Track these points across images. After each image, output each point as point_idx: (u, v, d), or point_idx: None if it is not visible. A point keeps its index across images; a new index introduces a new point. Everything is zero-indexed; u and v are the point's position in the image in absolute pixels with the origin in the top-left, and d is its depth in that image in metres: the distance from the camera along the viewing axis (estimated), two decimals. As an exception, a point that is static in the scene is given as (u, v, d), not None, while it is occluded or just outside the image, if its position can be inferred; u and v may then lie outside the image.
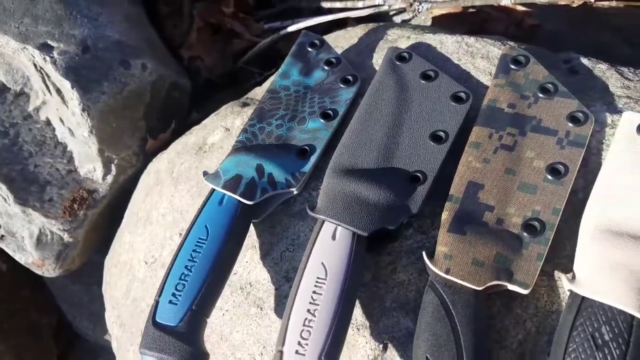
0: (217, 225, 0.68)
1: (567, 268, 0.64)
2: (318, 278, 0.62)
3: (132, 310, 0.86)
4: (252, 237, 0.76)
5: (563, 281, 0.61)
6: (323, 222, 0.67)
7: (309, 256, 0.64)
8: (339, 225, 0.66)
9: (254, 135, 0.78)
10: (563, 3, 1.08)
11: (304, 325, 0.59)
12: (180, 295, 0.63)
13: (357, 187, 0.68)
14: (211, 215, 0.69)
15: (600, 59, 0.80)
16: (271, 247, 0.75)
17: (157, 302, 0.64)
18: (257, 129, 0.79)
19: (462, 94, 0.75)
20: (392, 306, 0.67)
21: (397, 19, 1.11)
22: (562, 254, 0.65)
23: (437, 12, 1.10)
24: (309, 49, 0.86)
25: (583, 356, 0.56)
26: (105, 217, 1.00)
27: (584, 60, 0.79)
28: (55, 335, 1.27)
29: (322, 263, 0.63)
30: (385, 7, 1.04)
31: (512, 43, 0.82)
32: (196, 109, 1.11)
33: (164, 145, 0.98)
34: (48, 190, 0.95)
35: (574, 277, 0.60)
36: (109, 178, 0.97)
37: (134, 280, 0.87)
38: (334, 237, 0.65)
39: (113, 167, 0.97)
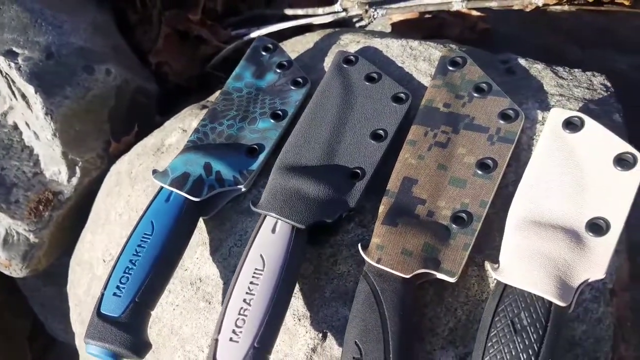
0: (162, 221, 0.71)
1: (496, 258, 0.67)
2: (256, 269, 0.65)
3: (92, 306, 0.88)
4: (203, 234, 0.79)
5: (488, 269, 0.63)
6: (265, 216, 0.70)
7: (249, 249, 0.67)
8: (279, 219, 0.69)
9: (206, 135, 0.81)
10: (517, 8, 1.12)
11: (239, 314, 0.62)
12: (123, 288, 0.66)
13: (297, 183, 0.71)
14: (157, 212, 0.72)
15: (551, 61, 0.84)
16: (220, 243, 0.78)
17: (102, 295, 0.67)
18: (208, 129, 0.82)
19: (402, 94, 0.78)
20: (331, 296, 0.70)
21: (360, 26, 1.14)
22: (492, 245, 0.68)
23: (396, 18, 1.14)
24: (263, 53, 0.89)
25: (503, 341, 0.59)
26: (71, 218, 1.02)
27: (521, 61, 0.82)
28: (30, 338, 1.30)
29: (261, 255, 0.66)
30: (343, 14, 1.08)
31: (453, 46, 0.85)
32: (163, 113, 1.14)
33: (128, 148, 1.01)
34: (14, 192, 0.98)
35: (498, 265, 0.63)
36: (74, 180, 1.00)
37: (94, 278, 0.89)
38: (273, 231, 0.68)
39: (77, 170, 1.00)
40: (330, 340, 0.69)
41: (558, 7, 1.11)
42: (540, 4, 1.07)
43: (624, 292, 0.76)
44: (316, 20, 1.13)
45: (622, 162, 0.64)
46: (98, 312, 0.65)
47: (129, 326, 0.64)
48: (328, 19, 1.11)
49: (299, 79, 0.85)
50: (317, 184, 0.71)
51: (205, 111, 0.92)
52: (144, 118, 1.10)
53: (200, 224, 0.79)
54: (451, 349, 0.65)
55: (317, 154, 0.75)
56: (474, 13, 1.11)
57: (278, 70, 0.87)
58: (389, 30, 1.15)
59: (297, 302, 0.71)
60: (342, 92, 0.80)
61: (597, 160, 0.65)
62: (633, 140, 0.83)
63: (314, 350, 0.69)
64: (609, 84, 0.78)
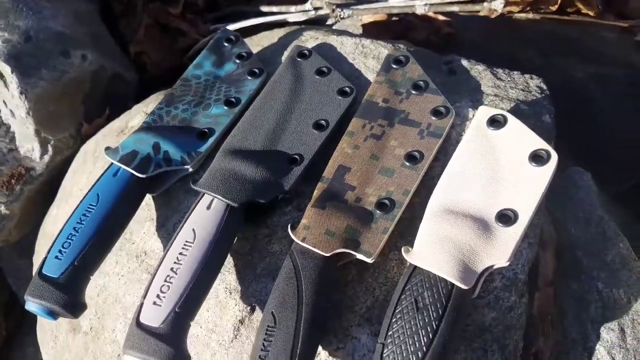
0: (107, 194, 0.76)
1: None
2: (186, 242, 0.69)
3: (50, 276, 0.93)
4: (151, 211, 0.84)
5: (402, 253, 0.67)
6: (203, 195, 0.74)
7: (183, 223, 0.72)
8: (214, 197, 0.73)
9: (160, 117, 0.86)
10: (482, 14, 1.16)
11: (165, 281, 0.66)
12: (65, 252, 0.71)
13: (236, 165, 0.76)
14: (104, 185, 0.77)
15: (512, 67, 0.87)
16: (166, 219, 0.82)
17: (45, 257, 0.72)
18: (164, 112, 0.86)
19: (347, 88, 0.83)
20: (262, 273, 0.74)
21: (328, 24, 1.19)
22: (414, 233, 0.72)
23: (366, 19, 1.18)
24: (225, 44, 0.94)
25: (406, 317, 0.62)
26: (42, 193, 1.07)
27: (464, 62, 0.86)
28: (5, 313, 1.35)
29: (193, 229, 0.70)
30: (313, 13, 1.12)
31: (401, 46, 0.89)
32: (140, 101, 1.19)
33: (98, 130, 1.06)
34: (-12, 166, 1.04)
35: (412, 249, 0.67)
36: (46, 158, 1.05)
37: (55, 249, 0.94)
38: (208, 208, 0.73)
39: (50, 148, 1.05)
40: (258, 313, 0.73)
41: (523, 15, 1.15)
42: (502, 11, 1.11)
43: (548, 287, 0.79)
44: (289, 18, 1.17)
45: (537, 158, 0.67)
46: (39, 273, 0.70)
47: (66, 287, 0.69)
48: (300, 17, 1.16)
49: (256, 70, 0.89)
50: (255, 166, 0.75)
51: (165, 96, 0.97)
52: (119, 104, 1.15)
53: (150, 201, 0.84)
54: (367, 325, 0.69)
55: (261, 140, 0.80)
56: (440, 18, 1.15)
57: (237, 61, 0.91)
58: (359, 31, 1.19)
59: (230, 277, 0.75)
60: (292, 83, 0.85)
61: (514, 156, 0.68)
62: (571, 143, 0.87)
63: (241, 322, 0.73)
64: (544, 87, 0.82)
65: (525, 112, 0.77)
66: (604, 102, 1.04)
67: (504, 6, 1.08)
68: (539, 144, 0.68)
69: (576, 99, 1.04)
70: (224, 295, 0.74)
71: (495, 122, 0.72)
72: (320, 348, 0.69)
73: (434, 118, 0.76)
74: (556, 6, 1.10)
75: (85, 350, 0.85)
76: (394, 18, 1.15)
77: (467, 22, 1.16)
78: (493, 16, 1.15)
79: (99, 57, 1.10)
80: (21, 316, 1.35)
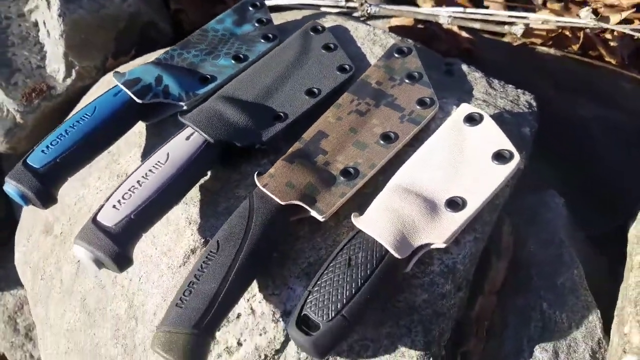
0: (104, 109, 0.81)
1: (371, 217, 0.73)
2: (158, 162, 0.74)
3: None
4: (141, 138, 0.89)
5: (352, 217, 0.70)
6: (186, 127, 0.79)
7: (160, 147, 0.76)
8: (196, 130, 0.78)
9: (172, 57, 0.92)
10: (506, 40, 1.19)
11: (129, 190, 0.71)
12: (50, 149, 0.76)
13: (224, 107, 0.80)
14: (103, 101, 0.83)
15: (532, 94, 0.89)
16: (153, 148, 0.86)
17: (32, 150, 0.77)
18: (176, 54, 0.92)
19: (347, 66, 0.87)
20: (223, 211, 0.78)
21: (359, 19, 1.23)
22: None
23: (394, 22, 1.22)
24: (250, 8, 1.00)
25: (336, 271, 0.65)
26: (56, 112, 1.14)
27: (464, 67, 0.89)
28: (4, 219, 1.41)
29: (168, 153, 0.75)
30: (343, 3, 1.17)
31: (410, 41, 0.93)
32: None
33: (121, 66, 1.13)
34: (16, 76, 1.11)
35: (360, 216, 0.70)
36: (68, 81, 1.13)
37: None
38: (187, 139, 0.77)
39: (74, 72, 1.12)
40: (209, 247, 0.76)
41: (545, 49, 1.17)
42: (524, 41, 1.14)
43: (492, 295, 0.81)
44: (321, 8, 1.23)
45: (500, 156, 0.70)
46: (24, 161, 0.76)
47: (43, 177, 0.74)
48: (331, 7, 1.20)
49: (270, 35, 0.94)
50: (240, 112, 0.80)
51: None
52: (147, 50, 1.22)
53: (143, 129, 0.89)
54: (304, 279, 0.72)
55: (254, 93, 0.84)
56: (464, 34, 1.18)
57: (256, 24, 0.97)
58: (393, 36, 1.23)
59: (193, 209, 0.79)
60: (297, 51, 0.89)
61: (479, 151, 0.71)
62: (562, 175, 0.88)
63: (193, 251, 0.77)
64: (534, 104, 0.84)
65: (507, 120, 0.80)
66: (604, 145, 1.05)
67: (525, 34, 1.11)
68: (505, 144, 0.70)
69: (577, 135, 1.05)
70: (183, 224, 0.79)
71: (472, 120, 0.74)
72: (257, 289, 0.73)
73: (418, 107, 0.79)
74: (578, 46, 1.12)
75: (51, 252, 0.90)
76: (419, 25, 1.19)
77: (490, 45, 1.19)
78: (515, 43, 1.18)
79: (140, 2, 1.18)
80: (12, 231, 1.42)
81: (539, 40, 1.15)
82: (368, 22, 1.16)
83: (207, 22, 1.32)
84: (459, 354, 0.76)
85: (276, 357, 0.72)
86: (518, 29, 1.07)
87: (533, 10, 1.19)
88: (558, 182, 0.98)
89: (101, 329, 0.81)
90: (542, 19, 1.08)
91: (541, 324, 0.78)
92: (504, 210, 0.83)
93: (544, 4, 1.31)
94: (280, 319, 0.72)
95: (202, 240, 0.77)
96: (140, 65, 0.89)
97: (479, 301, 0.80)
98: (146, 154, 0.87)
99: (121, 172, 0.87)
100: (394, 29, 1.22)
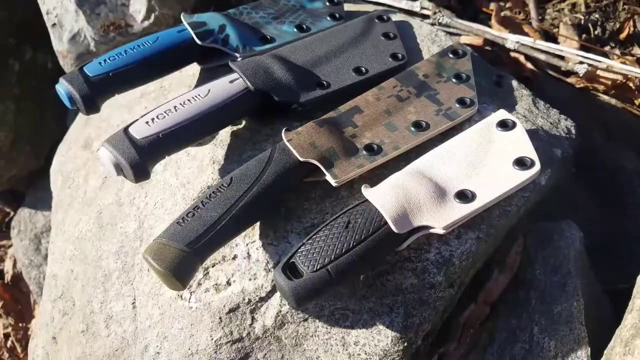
0: (165, 40, 0.87)
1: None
2: (198, 94, 0.78)
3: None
4: (193, 81, 0.94)
5: (362, 188, 0.71)
6: (233, 72, 0.83)
7: (204, 83, 0.80)
8: (241, 77, 0.81)
9: (241, 13, 0.96)
10: (569, 80, 1.17)
11: (164, 112, 0.75)
12: (107, 62, 0.82)
13: (272, 63, 0.84)
14: (167, 34, 0.88)
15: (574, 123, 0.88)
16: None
17: (92, 60, 0.83)
18: (245, 11, 0.97)
19: (400, 55, 0.89)
20: (246, 158, 0.81)
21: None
22: (387, 186, 0.75)
23: (464, 40, 1.23)
24: (325, -13, 1.04)
25: (332, 230, 0.66)
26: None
27: (514, 82, 0.89)
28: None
29: (209, 89, 0.79)
30: (418, 8, 1.19)
31: (469, 48, 0.94)
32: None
33: (196, 21, 1.19)
34: (101, 7, 1.20)
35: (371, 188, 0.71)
36: (145, 23, 1.20)
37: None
38: (231, 82, 0.81)
39: (152, 16, 1.19)
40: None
41: (606, 97, 1.15)
42: (587, 85, 1.12)
43: (485, 305, 0.79)
44: (397, 8, 1.25)
45: (521, 162, 0.69)
46: (81, 67, 0.82)
47: (93, 85, 0.80)
48: (405, 7, 1.23)
49: (337, 14, 0.98)
50: (286, 70, 0.83)
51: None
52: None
53: (197, 72, 0.94)
54: (304, 237, 0.73)
55: (304, 59, 0.87)
56: (529, 66, 1.17)
57: (327, 3, 1.00)
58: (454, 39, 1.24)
59: (219, 151, 0.82)
60: (357, 32, 0.92)
61: (502, 154, 0.71)
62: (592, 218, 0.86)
63: (209, 187, 0.80)
64: (574, 131, 0.83)
65: (540, 137, 0.79)
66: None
67: (589, 79, 1.09)
68: (529, 152, 0.70)
69: (616, 184, 1.02)
70: (207, 162, 0.82)
71: (504, 125, 0.74)
72: (257, 236, 0.75)
73: (457, 105, 0.80)
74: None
75: (84, 165, 0.96)
76: (487, 47, 1.20)
77: (552, 81, 1.17)
78: (578, 86, 1.16)
79: (228, -34, 1.24)
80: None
81: (602, 87, 1.13)
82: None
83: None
84: (437, 354, 0.75)
85: (259, 304, 0.73)
86: (582, 69, 1.06)
87: (605, 56, 1.17)
88: (586, 223, 0.95)
89: (108, 243, 0.85)
90: (608, 64, 1.06)
91: (527, 347, 0.76)
92: (519, 229, 0.82)
93: (619, 55, 1.29)
94: (272, 269, 0.73)
95: (220, 179, 0.80)
96: (209, 13, 0.94)
97: (470, 307, 0.78)
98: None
99: (161, 100, 0.92)
100: (461, 46, 1.23)
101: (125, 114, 0.95)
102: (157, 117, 0.75)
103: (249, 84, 0.80)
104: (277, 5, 0.99)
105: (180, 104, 0.76)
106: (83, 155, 0.97)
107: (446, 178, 0.69)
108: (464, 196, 0.67)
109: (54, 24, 1.24)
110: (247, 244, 0.75)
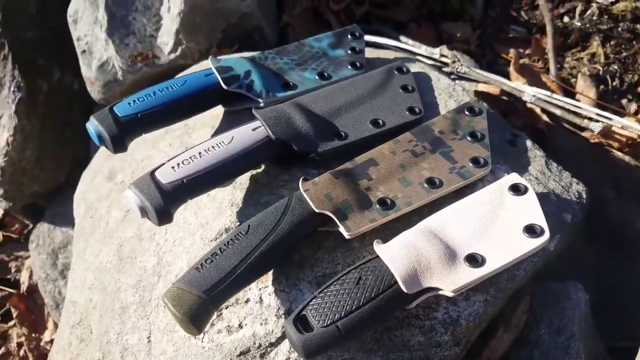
0: (193, 83, 0.90)
1: (394, 250, 0.76)
2: (222, 141, 0.81)
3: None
4: (216, 121, 0.97)
5: (374, 243, 0.73)
6: (256, 120, 0.86)
7: (229, 130, 0.84)
8: (263, 125, 0.85)
9: (265, 58, 1.00)
10: (583, 134, 1.19)
11: (189, 158, 0.79)
12: (137, 103, 0.86)
13: (293, 112, 0.87)
14: (195, 77, 0.92)
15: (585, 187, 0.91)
16: (223, 132, 0.95)
17: (120, 100, 0.87)
18: (270, 56, 1.01)
19: (417, 109, 0.92)
20: (263, 203, 0.84)
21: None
22: (399, 241, 0.78)
23: (481, 88, 1.26)
24: (348, 36, 1.07)
25: (344, 285, 0.69)
26: (153, 80, 1.25)
27: (528, 142, 0.91)
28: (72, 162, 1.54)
29: (233, 137, 0.82)
30: (437, 57, 1.23)
31: (485, 104, 0.97)
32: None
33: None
34: (130, 38, 1.24)
35: (382, 243, 0.73)
36: (172, 55, 1.24)
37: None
38: (254, 130, 0.84)
39: (179, 49, 1.24)
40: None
41: (620, 154, 1.17)
42: (601, 140, 1.14)
43: (488, 361, 0.81)
44: (417, 55, 1.29)
45: (531, 230, 0.72)
46: (111, 107, 0.85)
47: (122, 125, 0.83)
48: (425, 57, 1.26)
49: (358, 63, 1.01)
50: (306, 120, 0.86)
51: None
52: (249, 49, 1.32)
53: (220, 113, 0.97)
54: (316, 287, 0.76)
55: (324, 108, 0.90)
56: (544, 118, 1.20)
57: (349, 52, 1.04)
58: (471, 95, 1.27)
59: (238, 194, 0.86)
60: (376, 84, 0.95)
61: (513, 219, 0.73)
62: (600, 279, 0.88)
63: (226, 230, 0.83)
64: (585, 196, 0.85)
65: (552, 201, 0.81)
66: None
67: (604, 135, 1.11)
68: (539, 220, 0.72)
69: (625, 243, 1.04)
70: (226, 204, 0.85)
71: (517, 189, 0.76)
72: (270, 281, 0.77)
73: (470, 164, 0.83)
74: (654, 159, 1.11)
75: (107, 196, 0.99)
76: (504, 97, 1.22)
77: (566, 134, 1.19)
78: (592, 141, 1.18)
79: (256, 6, 1.28)
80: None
81: (616, 144, 1.15)
82: (455, 79, 1.21)
83: (310, 40, 1.44)
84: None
85: (269, 349, 0.76)
86: (597, 126, 1.08)
87: (620, 115, 1.19)
88: (592, 280, 0.97)
89: (127, 276, 0.88)
90: (623, 124, 1.08)
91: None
92: (525, 288, 0.84)
93: (635, 113, 1.31)
94: (283, 316, 0.76)
95: (238, 223, 0.83)
96: (236, 56, 0.98)
97: (472, 365, 0.80)
98: (216, 134, 0.95)
99: (190, 145, 0.95)
100: (479, 94, 1.25)
101: (150, 149, 0.98)
102: (183, 162, 0.78)
103: (270, 132, 0.83)
104: (301, 51, 1.03)
105: (205, 150, 0.80)
106: (106, 186, 1.00)
107: (457, 240, 0.72)
108: (474, 260, 0.70)
109: (83, 51, 1.28)
110: (260, 289, 0.78)
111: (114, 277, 0.90)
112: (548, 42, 1.40)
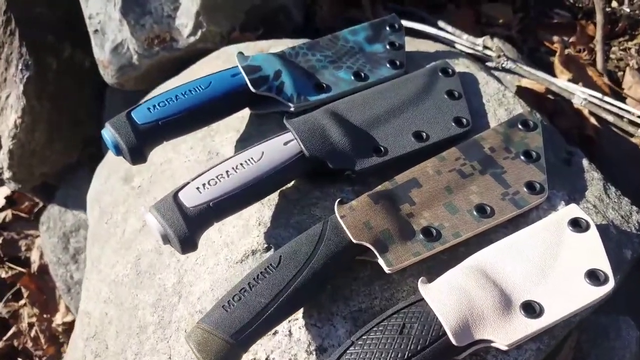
0: (218, 86, 0.82)
1: (438, 285, 0.69)
2: (251, 158, 0.74)
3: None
4: (242, 123, 0.89)
5: (419, 282, 0.67)
6: (288, 131, 0.78)
7: (258, 144, 0.76)
8: (296, 138, 0.77)
9: (296, 54, 0.91)
10: (634, 140, 1.10)
11: (216, 177, 0.71)
12: (157, 109, 0.78)
13: (329, 124, 0.79)
14: (220, 78, 0.83)
15: (629, 196, 0.83)
16: (249, 137, 0.87)
17: (140, 104, 0.79)
18: (302, 52, 0.91)
19: (465, 120, 0.83)
20: (294, 225, 0.77)
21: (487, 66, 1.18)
22: (442, 273, 0.71)
23: (525, 83, 1.16)
24: (387, 28, 0.97)
25: (386, 333, 0.62)
26: (170, 64, 1.17)
27: (584, 162, 0.83)
28: (86, 140, 1.47)
29: (263, 152, 0.75)
30: (480, 48, 1.12)
31: (538, 115, 0.88)
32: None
33: (245, 42, 1.13)
34: (146, 18, 1.15)
35: (428, 283, 0.66)
36: (191, 39, 1.15)
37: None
38: (285, 144, 0.76)
39: (199, 32, 1.14)
40: (269, 254, 0.76)
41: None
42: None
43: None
44: (457, 44, 1.18)
45: (594, 276, 0.64)
46: (128, 112, 0.77)
47: (141, 134, 0.76)
48: (467, 47, 1.16)
49: (397, 62, 0.91)
50: (342, 134, 0.78)
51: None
52: (273, 31, 1.22)
53: (247, 116, 0.89)
54: (350, 323, 0.70)
55: (362, 118, 0.82)
56: (592, 121, 1.11)
57: (387, 47, 0.94)
58: (512, 90, 1.17)
59: (266, 212, 0.79)
60: (419, 89, 0.86)
61: (574, 263, 0.66)
62: None
63: (253, 252, 0.76)
64: (646, 227, 0.77)
65: (611, 235, 0.74)
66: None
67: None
68: (603, 265, 0.65)
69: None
70: (253, 223, 0.78)
71: (577, 225, 0.69)
72: (300, 314, 0.71)
73: (525, 189, 0.75)
74: None
75: (124, 201, 0.93)
76: (549, 95, 1.13)
77: (614, 138, 1.11)
78: (643, 147, 1.09)
79: (280, -16, 1.18)
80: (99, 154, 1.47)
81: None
82: (496, 74, 1.11)
83: (338, 22, 1.33)
84: None
85: (297, 386, 0.70)
86: (652, 134, 0.99)
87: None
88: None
89: (145, 293, 0.82)
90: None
91: None
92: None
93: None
94: (314, 352, 0.70)
95: (265, 245, 0.76)
96: (265, 54, 0.89)
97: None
98: (242, 140, 0.87)
99: (213, 150, 0.88)
100: (522, 90, 1.16)
101: (169, 152, 0.91)
102: (209, 182, 0.71)
103: (304, 148, 0.75)
104: (335, 46, 0.93)
105: (233, 168, 0.72)
106: (122, 190, 0.94)
107: (512, 284, 0.65)
108: (532, 309, 0.63)
109: (95, 30, 1.19)
110: (289, 321, 0.72)
111: (131, 292, 0.84)
112: (597, 33, 1.29)
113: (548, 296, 0.64)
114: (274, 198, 0.79)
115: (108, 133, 0.76)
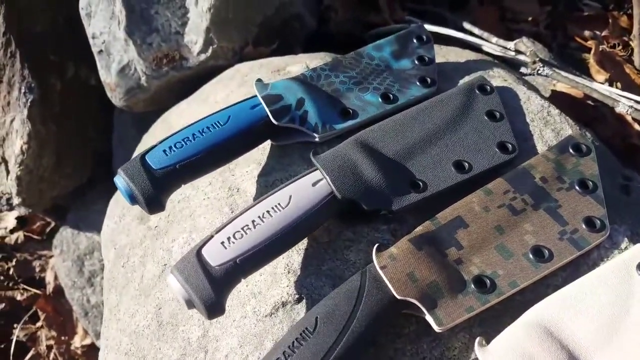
0: (237, 120, 0.75)
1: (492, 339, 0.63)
2: (279, 204, 0.67)
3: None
4: (263, 155, 0.82)
5: (475, 344, 0.60)
6: (316, 170, 0.71)
7: (284, 186, 0.69)
8: (325, 178, 0.69)
9: (318, 77, 0.83)
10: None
11: (241, 228, 0.64)
12: (173, 151, 0.71)
13: (360, 159, 0.71)
14: (239, 112, 0.76)
15: None
16: (271, 171, 0.80)
17: (154, 146, 0.72)
18: (324, 74, 0.84)
19: (510, 145, 0.75)
20: (326, 272, 0.70)
21: (521, 72, 1.10)
22: (497, 327, 0.64)
23: (560, 87, 1.08)
24: (414, 40, 0.89)
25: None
26: (181, 85, 1.10)
27: (644, 187, 0.75)
28: (100, 156, 1.41)
29: (290, 196, 0.67)
30: (512, 53, 1.04)
31: (588, 135, 0.80)
32: (306, 50, 1.17)
33: (258, 57, 1.06)
34: (153, 36, 1.07)
35: (486, 344, 0.60)
36: (202, 56, 1.07)
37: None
38: (314, 185, 0.69)
39: (210, 50, 1.06)
40: (302, 305, 0.69)
41: None
42: None
43: None
44: (485, 47, 1.10)
45: (672, 332, 0.57)
46: (142, 157, 0.71)
47: (158, 182, 0.69)
48: (496, 51, 1.07)
49: (428, 79, 0.84)
50: (376, 170, 0.71)
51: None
52: (287, 42, 1.14)
53: (267, 147, 0.82)
54: (396, 387, 0.64)
55: (395, 149, 0.75)
56: (636, 127, 1.02)
57: (416, 62, 0.86)
58: (548, 93, 1.09)
59: (296, 258, 0.72)
60: (456, 111, 0.78)
61: (648, 315, 0.59)
62: None
63: (284, 304, 0.70)
64: None
65: (684, 276, 0.66)
66: None
67: None
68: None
69: None
70: (281, 270, 0.72)
71: (647, 270, 0.62)
72: (341, 376, 0.65)
73: (584, 226, 0.67)
74: None
75: (141, 243, 0.86)
76: (588, 101, 1.04)
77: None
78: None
79: (293, -7, 1.10)
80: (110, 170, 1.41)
81: None
82: (526, 77, 1.03)
83: (354, 27, 1.25)
84: None
85: None
86: None
87: None
88: None
89: (168, 347, 0.76)
90: None
91: None
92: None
93: None
94: (356, 419, 0.64)
95: (297, 296, 0.70)
96: (285, 80, 0.81)
97: None
98: (263, 174, 0.80)
99: (233, 186, 0.81)
100: (557, 95, 1.07)
101: (187, 189, 0.83)
102: (234, 236, 0.64)
103: (335, 190, 0.68)
104: (359, 65, 0.86)
105: (259, 217, 0.65)
106: (138, 230, 0.87)
107: (579, 344, 0.58)
108: (603, 374, 0.56)
109: (100, 51, 1.12)
110: (329, 384, 0.65)
111: (153, 345, 0.78)
112: (634, 27, 1.19)
113: (625, 356, 0.57)
114: (302, 243, 0.72)
115: (121, 181, 0.70)
